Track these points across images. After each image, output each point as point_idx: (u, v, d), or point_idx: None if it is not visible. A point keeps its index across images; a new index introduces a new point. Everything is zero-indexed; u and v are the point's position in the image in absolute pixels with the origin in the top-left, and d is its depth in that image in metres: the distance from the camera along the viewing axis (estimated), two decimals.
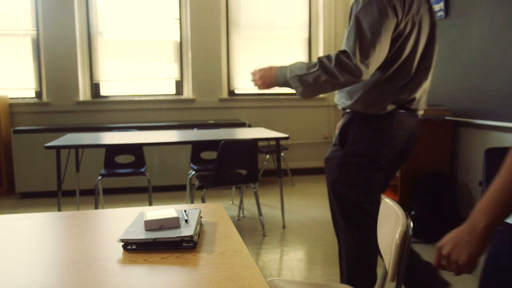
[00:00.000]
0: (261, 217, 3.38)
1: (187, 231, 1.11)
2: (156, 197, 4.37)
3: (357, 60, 1.59)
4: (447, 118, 3.36)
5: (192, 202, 3.35)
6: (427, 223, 3.11)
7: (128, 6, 4.92)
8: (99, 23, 4.90)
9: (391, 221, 1.21)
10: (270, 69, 1.76)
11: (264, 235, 3.26)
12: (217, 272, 0.94)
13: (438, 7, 3.46)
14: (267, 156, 4.97)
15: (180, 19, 5.06)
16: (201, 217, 1.32)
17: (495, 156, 2.62)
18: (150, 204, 3.52)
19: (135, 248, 1.08)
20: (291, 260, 2.81)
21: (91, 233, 1.23)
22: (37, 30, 4.71)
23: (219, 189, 4.62)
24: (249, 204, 4.10)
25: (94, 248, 1.11)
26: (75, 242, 1.16)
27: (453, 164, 3.42)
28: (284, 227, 3.45)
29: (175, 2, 5.04)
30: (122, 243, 1.08)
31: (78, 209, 3.71)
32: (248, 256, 1.04)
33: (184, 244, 1.08)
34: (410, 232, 1.06)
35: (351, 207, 1.80)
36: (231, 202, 4.21)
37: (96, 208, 3.45)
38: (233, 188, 4.19)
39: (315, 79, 1.66)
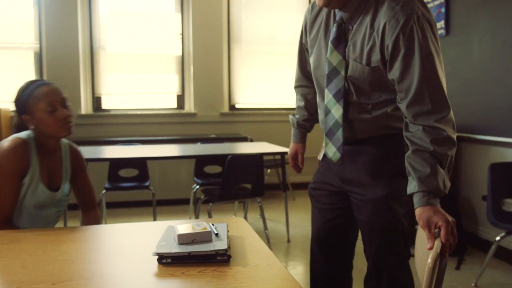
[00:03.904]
0: (266, 231, 3.39)
1: (220, 244, 1.13)
2: (158, 211, 4.35)
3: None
4: None
5: (197, 217, 3.35)
6: None
7: (131, 21, 4.97)
8: (102, 37, 4.94)
9: (426, 243, 1.15)
10: (440, 211, 1.23)
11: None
12: (257, 285, 0.96)
13: (438, 25, 3.55)
14: (269, 170, 5.00)
15: (182, 34, 5.12)
16: (228, 231, 1.33)
17: (500, 171, 2.68)
18: (155, 219, 3.52)
19: (170, 262, 1.09)
20: (298, 274, 2.82)
21: (120, 247, 1.25)
22: (40, 43, 4.73)
23: (222, 203, 4.62)
24: (251, 218, 4.11)
25: (127, 261, 1.12)
26: (107, 256, 1.17)
27: (455, 179, 3.47)
28: (288, 241, 3.46)
29: (177, 17, 5.10)
30: (157, 257, 1.10)
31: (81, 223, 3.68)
32: (283, 269, 1.06)
33: (218, 258, 1.10)
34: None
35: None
36: (233, 216, 4.21)
37: (100, 222, 3.43)
38: (236, 202, 4.19)
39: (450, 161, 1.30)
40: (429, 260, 1.00)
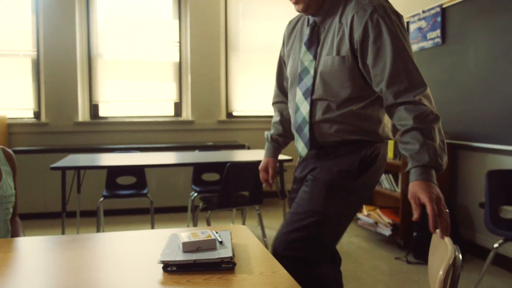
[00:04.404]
0: (265, 239, 3.38)
1: (225, 252, 1.13)
2: (156, 219, 4.34)
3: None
4: (445, 141, 3.44)
5: (195, 225, 3.34)
6: (429, 244, 3.15)
7: (129, 28, 4.98)
8: (99, 44, 4.95)
9: (439, 253, 1.13)
10: (428, 186, 1.23)
11: None
12: None
13: (435, 34, 3.59)
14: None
15: (180, 42, 5.14)
16: (231, 239, 1.33)
17: (497, 178, 2.70)
18: (153, 227, 3.50)
19: (175, 270, 1.09)
20: None
21: (123, 254, 1.24)
22: (38, 51, 4.73)
23: (220, 211, 4.62)
24: (249, 225, 4.11)
25: (132, 269, 1.12)
26: (111, 264, 1.17)
27: (453, 186, 3.49)
28: None
29: (175, 24, 5.13)
30: (162, 265, 1.10)
31: (78, 232, 3.66)
32: (288, 276, 1.06)
33: (223, 266, 1.10)
34: (459, 266, 0.98)
35: None
36: (231, 224, 4.21)
37: (98, 230, 3.42)
38: (234, 210, 4.19)
39: (440, 133, 1.31)
40: (441, 272, 0.97)
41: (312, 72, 1.49)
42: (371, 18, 1.34)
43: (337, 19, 1.43)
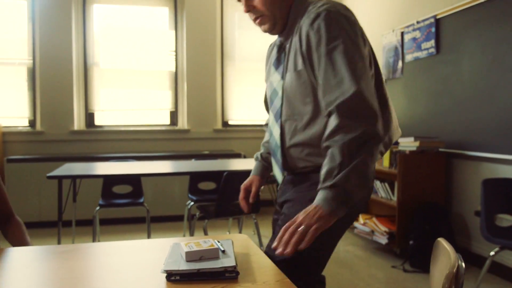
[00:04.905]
0: (261, 247, 3.38)
1: (228, 261, 1.13)
2: (152, 228, 4.31)
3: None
4: (441, 150, 3.48)
5: (192, 234, 3.33)
6: (425, 252, 3.17)
7: (125, 37, 5.00)
8: (95, 53, 4.95)
9: (442, 262, 1.11)
10: (314, 210, 1.19)
11: None
12: None
13: (429, 44, 3.64)
14: (262, 186, 5.00)
15: (176, 51, 5.16)
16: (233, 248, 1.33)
17: (492, 187, 2.73)
18: (149, 236, 3.49)
19: (178, 279, 1.09)
20: None
21: (125, 264, 1.24)
22: (33, 59, 4.73)
23: (216, 220, 4.60)
24: (246, 234, 4.09)
25: (135, 279, 1.12)
26: (114, 274, 1.16)
27: (448, 194, 3.52)
28: None
29: (171, 34, 5.15)
30: (166, 274, 1.10)
31: (73, 241, 3.64)
32: (291, 285, 1.06)
33: (227, 275, 1.10)
34: (462, 274, 0.97)
35: None
36: (227, 233, 4.20)
37: (94, 239, 3.40)
38: (230, 219, 4.18)
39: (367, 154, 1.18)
40: (444, 281, 0.97)
41: (280, 93, 1.40)
42: (312, 25, 1.26)
43: (296, 34, 1.36)
